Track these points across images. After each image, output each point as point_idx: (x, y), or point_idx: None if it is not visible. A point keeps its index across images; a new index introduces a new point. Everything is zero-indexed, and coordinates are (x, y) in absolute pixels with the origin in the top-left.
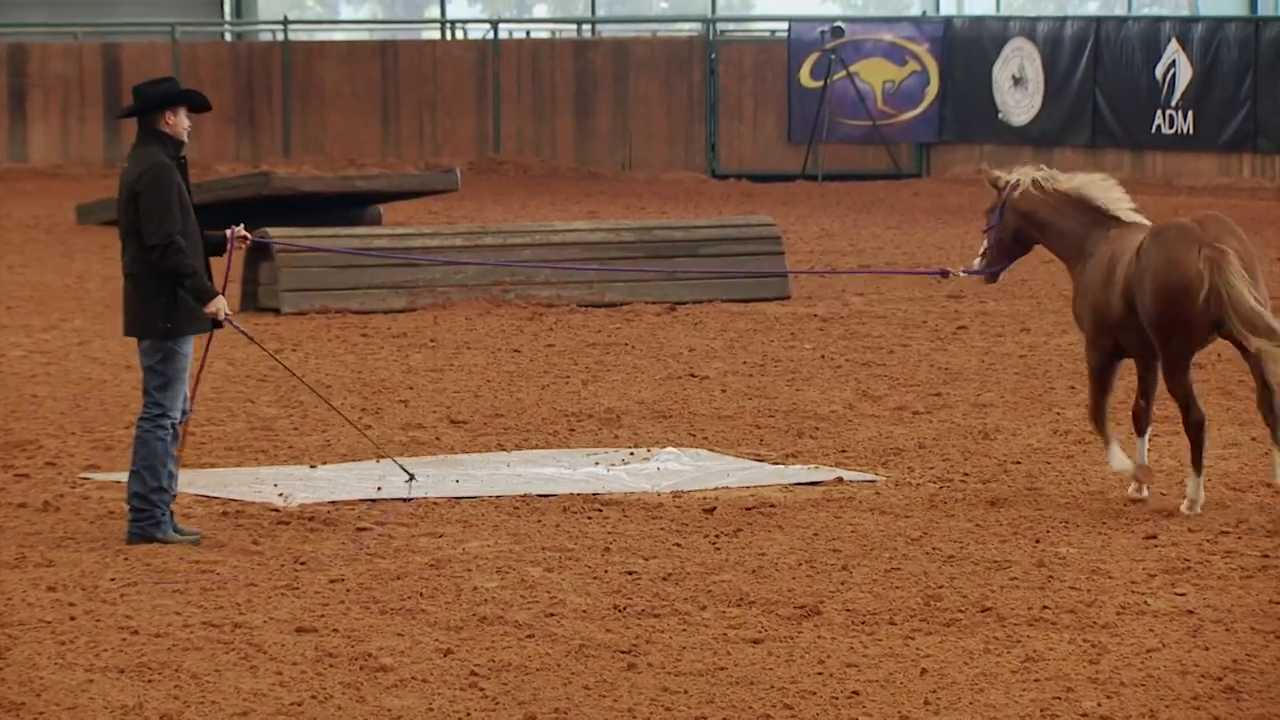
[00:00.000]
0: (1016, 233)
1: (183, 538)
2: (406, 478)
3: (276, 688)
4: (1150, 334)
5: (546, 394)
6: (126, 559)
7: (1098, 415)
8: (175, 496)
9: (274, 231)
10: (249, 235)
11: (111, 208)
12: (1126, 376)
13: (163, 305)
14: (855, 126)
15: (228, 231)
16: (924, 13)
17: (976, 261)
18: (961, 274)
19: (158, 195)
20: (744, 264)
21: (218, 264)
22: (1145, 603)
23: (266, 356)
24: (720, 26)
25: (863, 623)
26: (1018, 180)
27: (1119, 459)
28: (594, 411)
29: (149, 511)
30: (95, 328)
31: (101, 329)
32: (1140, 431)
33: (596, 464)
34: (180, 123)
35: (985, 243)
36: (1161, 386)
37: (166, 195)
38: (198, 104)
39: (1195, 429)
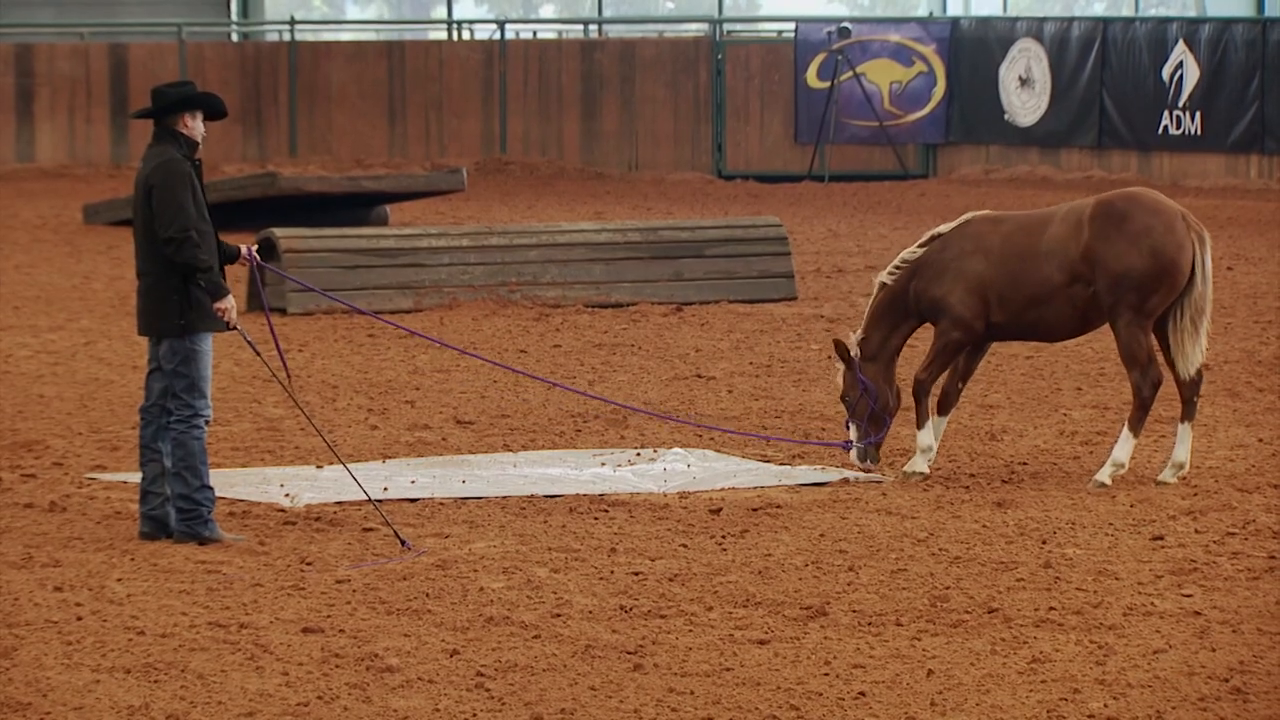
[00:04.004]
0: (886, 374)
1: (230, 538)
2: (375, 493)
3: (282, 688)
4: (1117, 295)
5: (553, 394)
6: (133, 559)
7: (929, 388)
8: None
9: (280, 232)
10: (258, 259)
11: (119, 207)
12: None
13: (176, 303)
14: (862, 127)
15: (243, 248)
16: (931, 13)
17: (854, 444)
18: (863, 462)
19: (173, 189)
20: (751, 264)
21: (231, 270)
22: (1152, 604)
23: (273, 357)
24: (727, 27)
25: (869, 624)
26: (854, 347)
27: (931, 436)
28: (600, 412)
29: (195, 510)
30: (102, 328)
31: (108, 329)
32: (945, 411)
33: (603, 465)
34: (197, 126)
35: (854, 426)
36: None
37: (182, 189)
38: (215, 109)
39: (1154, 388)
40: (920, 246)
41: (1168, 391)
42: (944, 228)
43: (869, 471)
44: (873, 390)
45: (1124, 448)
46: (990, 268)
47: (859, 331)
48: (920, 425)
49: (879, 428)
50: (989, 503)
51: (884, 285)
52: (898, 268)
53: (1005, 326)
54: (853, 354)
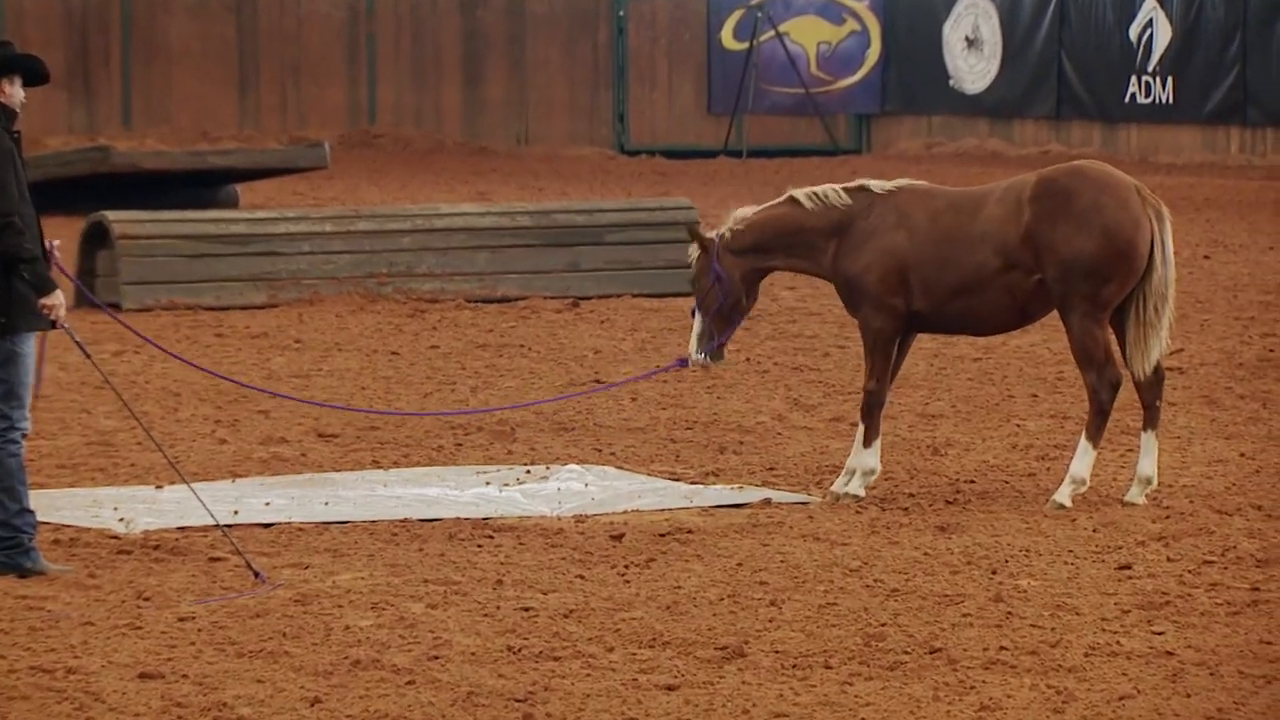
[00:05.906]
0: (745, 275)
1: (55, 569)
2: (224, 516)
3: None
4: (1068, 284)
5: (429, 403)
6: None
7: (882, 398)
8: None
9: (113, 215)
10: (59, 256)
11: None
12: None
13: None
14: (785, 95)
15: (46, 243)
16: None
17: (694, 348)
18: (704, 360)
19: None
20: (658, 252)
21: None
22: (1118, 643)
23: (104, 361)
24: None
25: (794, 666)
26: (725, 229)
27: (877, 458)
28: (484, 423)
29: (13, 538)
30: None
31: None
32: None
33: (487, 484)
34: (16, 93)
35: (701, 320)
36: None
37: (2, 167)
38: (37, 72)
39: (1112, 390)
40: (848, 194)
41: (1134, 398)
42: (875, 185)
43: (707, 368)
44: (726, 281)
45: (1082, 462)
46: (914, 248)
47: (741, 220)
48: (868, 443)
49: (725, 325)
50: (931, 527)
51: (795, 202)
52: (820, 200)
53: (928, 316)
54: (714, 236)
